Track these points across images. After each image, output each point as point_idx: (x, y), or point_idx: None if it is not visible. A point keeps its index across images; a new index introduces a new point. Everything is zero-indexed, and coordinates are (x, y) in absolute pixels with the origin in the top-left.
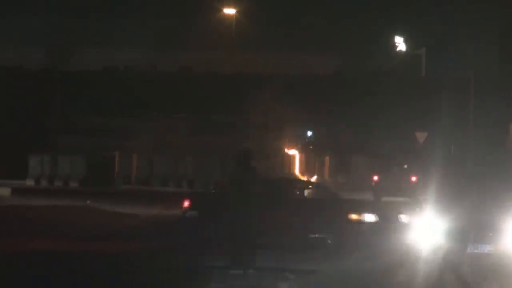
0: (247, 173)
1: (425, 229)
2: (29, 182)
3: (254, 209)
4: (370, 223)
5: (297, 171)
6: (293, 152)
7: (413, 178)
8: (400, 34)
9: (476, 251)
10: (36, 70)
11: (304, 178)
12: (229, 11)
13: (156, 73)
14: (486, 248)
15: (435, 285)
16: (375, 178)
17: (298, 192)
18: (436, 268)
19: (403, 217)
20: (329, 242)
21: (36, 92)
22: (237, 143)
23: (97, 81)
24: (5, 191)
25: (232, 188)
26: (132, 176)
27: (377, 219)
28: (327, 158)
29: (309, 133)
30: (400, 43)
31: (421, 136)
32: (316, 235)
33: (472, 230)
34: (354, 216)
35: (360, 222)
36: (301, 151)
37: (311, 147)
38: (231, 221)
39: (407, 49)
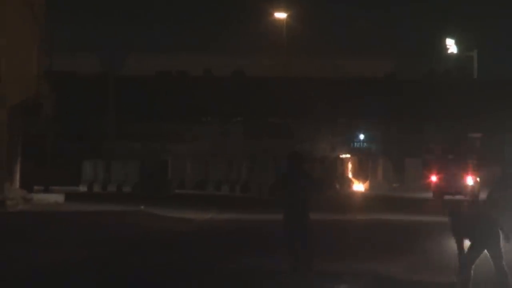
0: (299, 176)
1: None
2: (83, 188)
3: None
4: None
5: (350, 174)
6: (345, 155)
7: (471, 177)
8: (452, 37)
9: None
10: (90, 75)
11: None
12: (280, 15)
13: (209, 77)
14: None
15: None
16: (434, 178)
17: None
18: None
19: None
20: None
21: (90, 97)
22: (291, 147)
23: (151, 86)
24: (59, 197)
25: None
26: (186, 181)
27: None
28: (380, 160)
29: (362, 136)
30: (451, 45)
31: (475, 137)
32: None
33: None
34: None
35: None
36: (354, 154)
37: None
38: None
39: (458, 51)
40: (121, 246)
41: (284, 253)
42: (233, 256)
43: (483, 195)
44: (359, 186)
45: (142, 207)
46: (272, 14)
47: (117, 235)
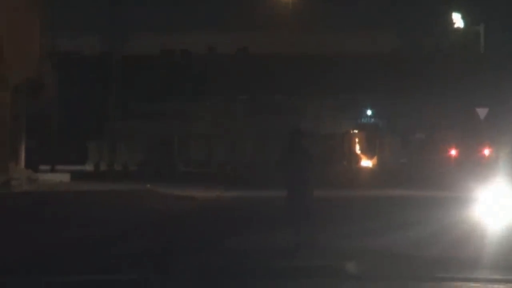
0: (298, 153)
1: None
2: (89, 167)
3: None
4: None
5: (357, 150)
6: (352, 131)
7: (486, 151)
8: (457, 11)
9: None
10: (93, 55)
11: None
12: None
13: (213, 55)
14: None
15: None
16: (453, 152)
17: None
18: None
19: None
20: None
21: (93, 77)
22: (295, 124)
23: (154, 65)
24: (64, 177)
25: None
26: (191, 159)
27: None
28: (387, 136)
29: (369, 112)
30: (457, 20)
31: (482, 112)
32: None
33: None
34: None
35: None
36: (361, 130)
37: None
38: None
39: (465, 25)
40: (128, 225)
41: (288, 231)
42: (239, 233)
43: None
44: (367, 162)
45: (148, 185)
46: None
47: (125, 214)
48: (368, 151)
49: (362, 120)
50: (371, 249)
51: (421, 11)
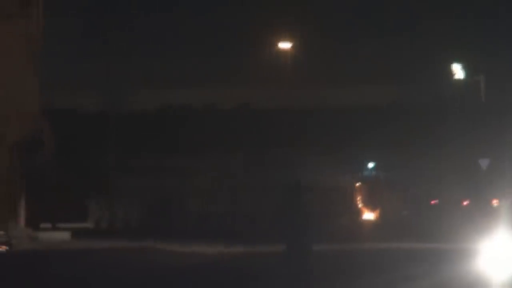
0: (296, 206)
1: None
2: (90, 224)
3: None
4: None
5: (360, 203)
6: (354, 183)
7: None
8: (457, 61)
9: None
10: (91, 112)
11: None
12: (285, 45)
13: (213, 110)
14: None
15: None
16: (465, 203)
17: None
18: None
19: None
20: None
21: (91, 134)
22: (294, 178)
23: (153, 121)
24: (65, 235)
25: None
26: (190, 214)
27: None
28: (389, 188)
29: (370, 165)
30: (457, 70)
31: (483, 162)
32: None
33: None
34: None
35: None
36: (363, 183)
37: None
38: None
39: (465, 75)
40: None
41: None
42: None
43: None
44: (369, 215)
45: (151, 242)
46: (276, 45)
47: (129, 272)
48: (370, 204)
49: (364, 173)
50: None
51: (420, 62)
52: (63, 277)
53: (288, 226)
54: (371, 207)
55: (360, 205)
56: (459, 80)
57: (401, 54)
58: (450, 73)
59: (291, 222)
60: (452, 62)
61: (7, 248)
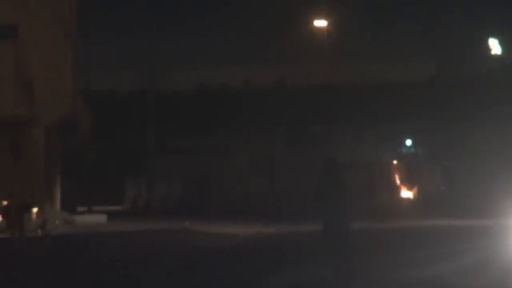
0: (334, 185)
1: None
2: (126, 206)
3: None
4: None
5: (397, 181)
6: (392, 161)
7: None
8: (495, 36)
9: None
10: (130, 92)
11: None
12: (321, 23)
13: (250, 88)
14: None
15: None
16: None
17: None
18: None
19: None
20: None
21: (131, 114)
22: (331, 155)
23: (191, 100)
24: (101, 217)
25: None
26: (229, 194)
27: None
28: (428, 165)
29: (409, 142)
30: (494, 46)
31: None
32: None
33: None
34: None
35: None
36: (400, 161)
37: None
38: None
39: (502, 52)
40: (176, 264)
41: (327, 264)
42: (280, 270)
43: None
44: (407, 193)
45: (187, 223)
46: (312, 23)
47: (170, 254)
48: (409, 181)
49: (402, 150)
50: (417, 280)
51: (459, 38)
52: (98, 261)
53: (327, 203)
54: (409, 185)
55: (398, 183)
56: (496, 55)
57: (438, 30)
58: (487, 49)
59: (329, 200)
60: (489, 38)
61: (42, 231)
